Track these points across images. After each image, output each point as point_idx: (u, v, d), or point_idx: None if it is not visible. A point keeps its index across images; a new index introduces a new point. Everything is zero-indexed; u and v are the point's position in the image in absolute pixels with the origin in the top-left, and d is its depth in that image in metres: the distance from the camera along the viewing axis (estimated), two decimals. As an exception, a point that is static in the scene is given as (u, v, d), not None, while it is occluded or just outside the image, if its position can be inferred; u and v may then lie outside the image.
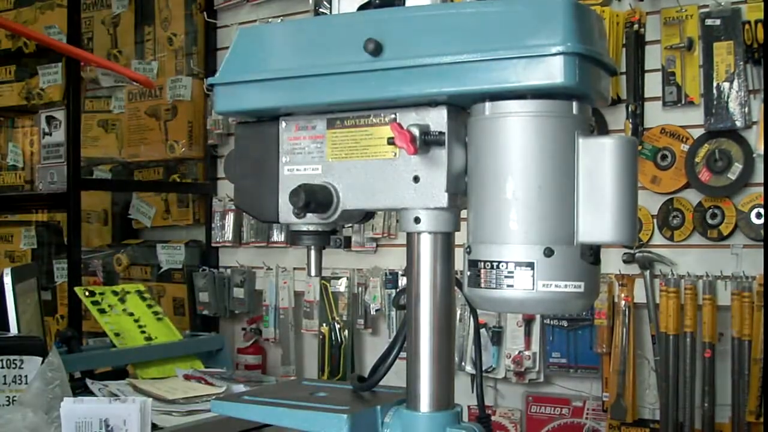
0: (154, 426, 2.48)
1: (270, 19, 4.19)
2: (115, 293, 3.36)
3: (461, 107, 1.15)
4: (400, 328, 1.26)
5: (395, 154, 1.16)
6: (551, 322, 3.50)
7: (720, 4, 3.17)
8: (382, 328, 3.97)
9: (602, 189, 1.06)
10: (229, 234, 4.39)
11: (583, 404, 3.47)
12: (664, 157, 3.28)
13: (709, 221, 3.20)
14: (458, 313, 3.37)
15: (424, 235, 1.19)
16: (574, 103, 1.08)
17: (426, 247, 1.19)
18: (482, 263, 1.09)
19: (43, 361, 2.44)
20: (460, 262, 1.17)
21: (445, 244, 1.20)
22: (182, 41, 4.53)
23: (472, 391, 3.23)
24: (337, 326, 3.98)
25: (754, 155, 3.12)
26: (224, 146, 4.46)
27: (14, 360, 2.34)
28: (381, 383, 1.31)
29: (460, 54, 1.09)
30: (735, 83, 3.15)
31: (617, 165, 1.07)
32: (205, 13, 4.48)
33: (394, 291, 3.76)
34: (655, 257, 3.24)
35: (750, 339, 3.05)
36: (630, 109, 3.33)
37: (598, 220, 1.06)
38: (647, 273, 3.22)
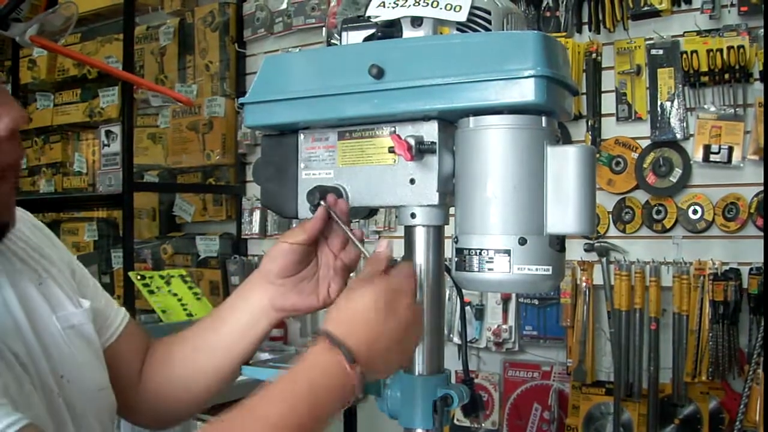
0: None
1: (290, 49, 4.19)
2: (162, 277, 3.36)
3: (450, 121, 1.15)
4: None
5: (395, 160, 1.16)
6: (525, 300, 3.50)
7: (662, 37, 3.17)
8: (383, 305, 3.95)
9: (567, 189, 1.06)
10: (256, 228, 4.38)
11: (551, 369, 3.46)
12: (617, 163, 3.27)
13: (655, 216, 3.20)
14: (447, 293, 3.36)
15: (418, 228, 1.18)
16: (543, 118, 1.08)
17: (420, 238, 1.19)
18: (467, 251, 1.09)
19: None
20: (449, 250, 1.17)
21: (437, 235, 1.19)
22: (217, 67, 4.52)
23: (459, 358, 3.23)
24: (346, 304, 3.97)
25: (691, 162, 3.12)
26: (252, 155, 4.45)
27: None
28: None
29: (448, 77, 1.08)
30: (675, 102, 3.14)
31: (579, 169, 1.06)
32: (236, 44, 4.47)
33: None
34: (610, 246, 3.23)
35: (687, 314, 3.05)
36: (589, 123, 3.33)
37: (563, 214, 1.06)
38: (604, 259, 3.21)
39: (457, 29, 1.15)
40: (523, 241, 1.05)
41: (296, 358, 1.03)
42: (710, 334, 2.96)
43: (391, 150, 1.13)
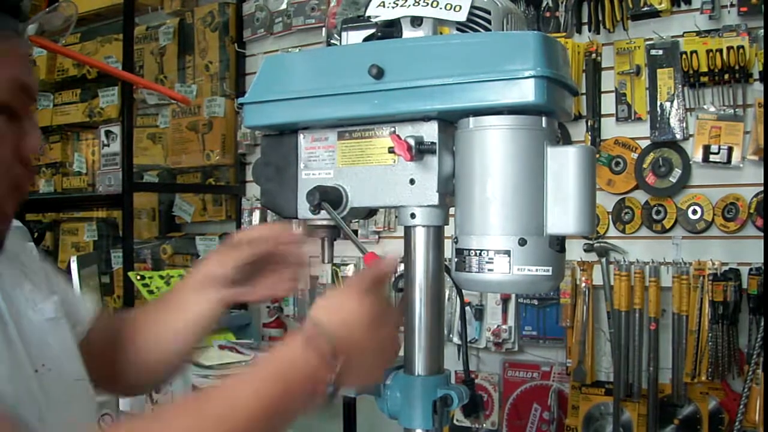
0: (193, 387, 2.48)
1: (290, 49, 4.18)
2: (162, 277, 3.36)
3: (449, 121, 1.15)
4: (398, 306, 1.26)
5: (394, 160, 1.16)
6: (524, 300, 3.49)
7: (662, 38, 3.17)
8: (383, 306, 3.95)
9: (567, 189, 1.06)
10: (256, 228, 4.37)
11: (551, 369, 3.46)
12: (617, 163, 3.27)
13: (654, 217, 3.20)
14: (447, 293, 3.36)
15: (418, 228, 1.18)
16: (543, 118, 1.08)
17: (420, 239, 1.19)
18: (467, 251, 1.09)
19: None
20: (449, 251, 1.17)
21: (436, 235, 1.19)
22: (217, 68, 4.52)
23: (459, 359, 3.23)
24: (346, 304, 3.97)
25: (691, 162, 3.12)
26: (252, 155, 4.45)
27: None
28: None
29: (448, 77, 1.08)
30: (675, 103, 3.14)
31: (579, 169, 1.06)
32: (235, 44, 4.47)
33: (393, 276, 3.75)
34: (610, 246, 3.23)
35: (687, 314, 3.05)
36: (589, 124, 3.32)
37: (563, 215, 1.06)
38: (603, 260, 3.21)
39: (457, 29, 1.15)
40: (523, 242, 1.05)
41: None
42: (710, 335, 2.96)
43: (391, 150, 1.13)
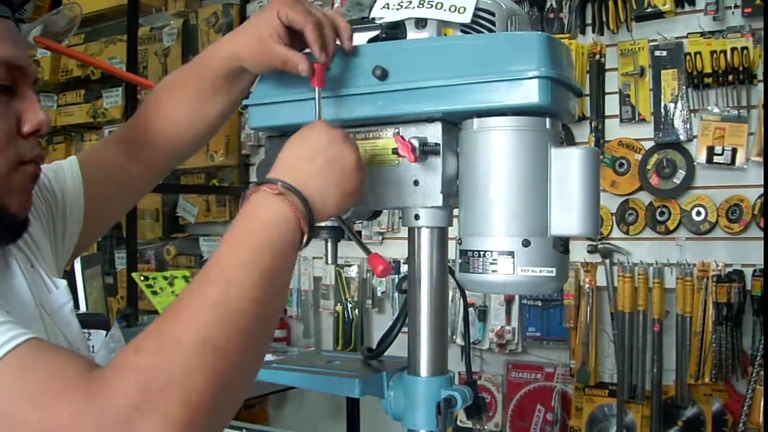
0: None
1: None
2: (165, 278, 3.36)
3: (453, 123, 1.15)
4: (401, 308, 1.26)
5: (398, 161, 1.16)
6: (528, 301, 3.49)
7: (666, 39, 3.16)
8: (386, 307, 3.96)
9: (571, 190, 1.06)
10: (259, 229, 4.37)
11: (554, 370, 3.46)
12: (621, 164, 3.27)
13: (658, 218, 3.19)
14: (450, 294, 3.36)
15: (422, 230, 1.19)
16: (547, 119, 1.08)
17: (424, 240, 1.19)
18: (471, 252, 1.09)
19: (107, 334, 2.45)
20: (452, 252, 1.17)
21: (440, 236, 1.19)
22: (221, 69, 4.51)
23: (462, 360, 3.22)
24: (349, 306, 3.98)
25: (695, 163, 3.11)
26: (255, 156, 4.45)
27: (83, 333, 2.35)
28: (386, 353, 1.30)
29: (452, 78, 1.08)
30: (679, 104, 3.14)
31: (583, 171, 1.06)
32: (239, 45, 4.46)
33: (397, 277, 3.75)
34: (613, 248, 3.23)
35: (691, 315, 3.04)
36: (593, 125, 3.32)
37: (567, 216, 1.06)
38: (607, 261, 3.21)
39: (461, 31, 1.15)
40: (526, 243, 1.05)
41: (298, 358, 1.02)
42: (713, 336, 2.96)
43: (395, 151, 1.13)
